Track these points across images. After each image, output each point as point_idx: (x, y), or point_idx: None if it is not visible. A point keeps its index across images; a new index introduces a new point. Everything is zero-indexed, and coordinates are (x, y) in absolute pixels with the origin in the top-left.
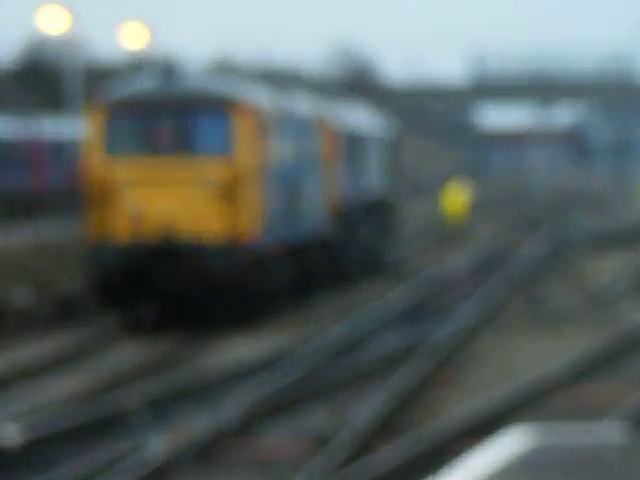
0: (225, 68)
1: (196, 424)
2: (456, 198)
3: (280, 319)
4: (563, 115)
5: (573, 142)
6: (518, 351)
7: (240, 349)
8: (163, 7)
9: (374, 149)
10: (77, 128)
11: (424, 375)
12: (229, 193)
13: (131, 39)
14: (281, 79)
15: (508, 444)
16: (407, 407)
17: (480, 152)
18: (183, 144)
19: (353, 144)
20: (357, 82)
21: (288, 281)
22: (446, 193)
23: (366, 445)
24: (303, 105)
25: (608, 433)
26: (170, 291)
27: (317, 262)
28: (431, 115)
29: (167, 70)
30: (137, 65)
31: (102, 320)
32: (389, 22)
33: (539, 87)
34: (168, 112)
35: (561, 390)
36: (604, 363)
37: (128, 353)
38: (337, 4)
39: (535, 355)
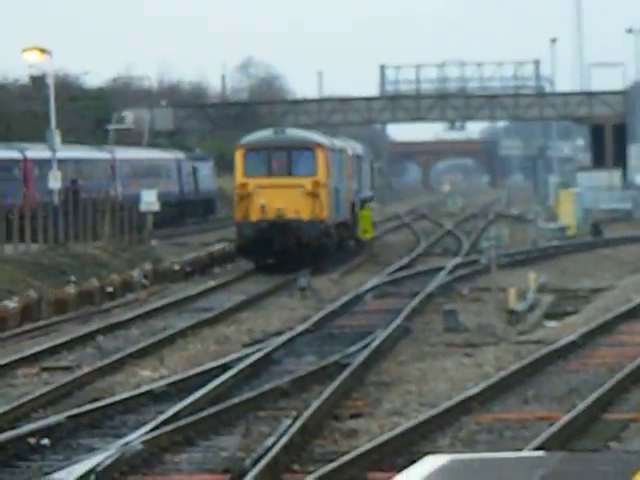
0: (125, 84)
1: None
2: (367, 216)
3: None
4: (477, 129)
5: (486, 155)
6: (433, 370)
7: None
8: (67, 30)
9: (364, 165)
10: None
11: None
12: (313, 194)
13: (32, 59)
14: (187, 95)
15: (424, 473)
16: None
17: (395, 166)
18: (289, 167)
19: (356, 163)
20: (266, 92)
21: (336, 241)
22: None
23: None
24: (338, 142)
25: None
26: (281, 248)
27: (344, 232)
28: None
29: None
30: (38, 83)
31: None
32: (298, 39)
33: (451, 103)
34: (280, 150)
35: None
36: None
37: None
38: (239, 22)
39: (450, 375)
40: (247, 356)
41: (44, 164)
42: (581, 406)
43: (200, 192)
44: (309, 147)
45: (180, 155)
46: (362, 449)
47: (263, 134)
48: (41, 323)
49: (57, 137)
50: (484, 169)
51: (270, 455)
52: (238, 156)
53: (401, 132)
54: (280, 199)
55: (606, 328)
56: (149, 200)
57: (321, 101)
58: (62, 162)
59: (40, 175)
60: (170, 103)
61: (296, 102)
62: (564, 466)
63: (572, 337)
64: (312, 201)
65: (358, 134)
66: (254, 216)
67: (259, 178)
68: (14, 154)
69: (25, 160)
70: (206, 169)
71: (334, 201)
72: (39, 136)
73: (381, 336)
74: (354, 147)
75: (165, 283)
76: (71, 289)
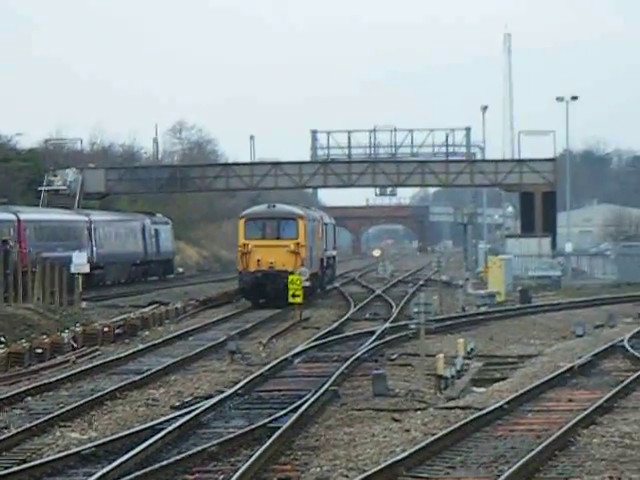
0: (57, 146)
1: None
2: (296, 281)
3: None
4: (409, 195)
5: (416, 220)
6: (361, 435)
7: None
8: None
9: (329, 230)
10: None
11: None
12: (295, 252)
13: None
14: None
15: None
16: None
17: None
18: (278, 232)
19: (324, 228)
20: (198, 156)
21: (310, 286)
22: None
23: None
24: (311, 212)
25: None
26: (272, 290)
27: (315, 280)
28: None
29: (270, 203)
30: None
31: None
32: (230, 104)
33: (382, 169)
34: (272, 219)
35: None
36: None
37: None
38: (171, 86)
39: (378, 440)
40: (176, 419)
41: (35, 225)
42: (508, 472)
43: (161, 252)
44: (293, 217)
45: (144, 218)
46: None
47: (259, 208)
48: None
49: None
50: (414, 234)
51: None
52: (241, 223)
53: (332, 197)
54: (271, 255)
55: (533, 395)
56: (79, 262)
57: (253, 165)
58: (45, 223)
59: (30, 235)
60: (102, 165)
61: (228, 165)
62: None
63: (500, 403)
64: (294, 257)
65: (290, 199)
66: (252, 267)
67: (256, 240)
68: (9, 216)
69: (19, 221)
70: (166, 232)
71: (309, 257)
72: None
73: (310, 400)
74: (322, 216)
75: (95, 345)
76: (0, 350)
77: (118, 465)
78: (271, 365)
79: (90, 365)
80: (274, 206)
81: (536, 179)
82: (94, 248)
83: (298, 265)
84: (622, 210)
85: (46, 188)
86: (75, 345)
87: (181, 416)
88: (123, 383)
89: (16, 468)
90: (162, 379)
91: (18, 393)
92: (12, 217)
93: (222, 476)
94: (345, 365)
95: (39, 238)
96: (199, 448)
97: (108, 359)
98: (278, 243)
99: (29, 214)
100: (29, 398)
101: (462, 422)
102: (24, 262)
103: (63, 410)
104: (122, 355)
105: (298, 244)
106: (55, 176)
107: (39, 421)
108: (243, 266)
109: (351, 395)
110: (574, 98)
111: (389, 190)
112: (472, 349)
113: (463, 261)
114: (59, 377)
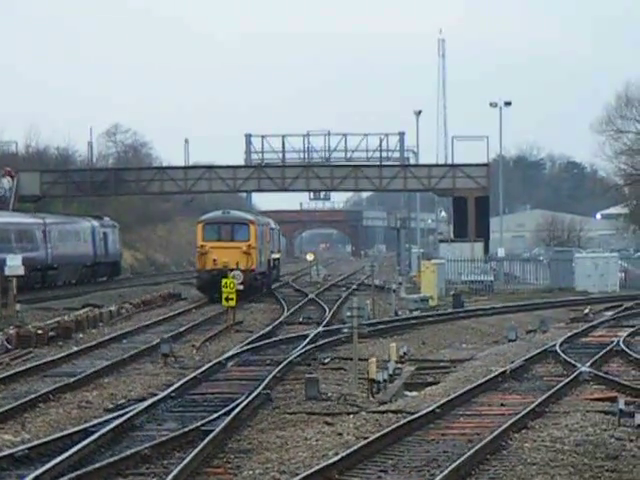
0: None
1: None
2: (230, 285)
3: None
4: (343, 199)
5: (350, 225)
6: (294, 438)
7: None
8: None
9: (275, 235)
10: None
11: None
12: (247, 252)
13: None
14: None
15: None
16: None
17: None
18: (232, 235)
19: (271, 233)
20: (133, 159)
21: (260, 283)
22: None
23: None
24: (261, 218)
25: None
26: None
27: (263, 278)
28: (215, 198)
29: (225, 209)
30: None
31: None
32: (165, 107)
33: (316, 173)
34: (227, 224)
35: None
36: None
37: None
38: (106, 88)
39: (310, 443)
40: (109, 421)
41: None
42: (440, 476)
43: (109, 255)
44: (245, 222)
45: (94, 222)
46: None
47: (215, 214)
48: None
49: None
50: (348, 239)
51: None
52: (199, 227)
53: (266, 201)
54: (226, 255)
55: (466, 399)
56: (13, 264)
57: (187, 168)
58: (3, 225)
59: None
60: (37, 168)
61: (162, 169)
62: None
63: (432, 407)
64: (246, 257)
65: (225, 203)
66: (209, 266)
67: (212, 242)
68: None
69: None
70: (114, 235)
71: (259, 258)
72: None
73: (242, 403)
74: (269, 222)
75: (28, 347)
76: None
77: (51, 467)
78: (204, 368)
79: (24, 367)
80: (229, 212)
81: (469, 184)
82: (49, 250)
83: (249, 264)
84: (554, 215)
85: None
86: (9, 347)
87: (114, 419)
88: (57, 385)
89: None
90: (96, 382)
91: None
92: None
93: (155, 479)
94: (278, 369)
95: None
96: (132, 451)
97: (42, 361)
98: (232, 245)
99: None
100: None
101: (394, 426)
102: None
103: None
104: (56, 357)
105: (249, 246)
106: None
107: None
108: (201, 265)
109: (284, 399)
110: (507, 104)
111: (323, 194)
112: (405, 353)
113: (396, 265)
114: None
